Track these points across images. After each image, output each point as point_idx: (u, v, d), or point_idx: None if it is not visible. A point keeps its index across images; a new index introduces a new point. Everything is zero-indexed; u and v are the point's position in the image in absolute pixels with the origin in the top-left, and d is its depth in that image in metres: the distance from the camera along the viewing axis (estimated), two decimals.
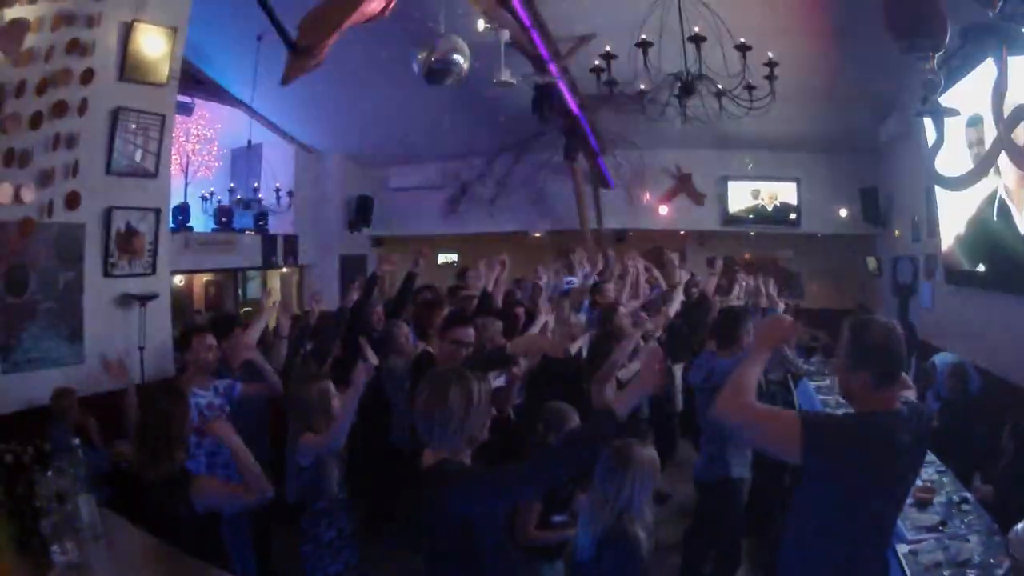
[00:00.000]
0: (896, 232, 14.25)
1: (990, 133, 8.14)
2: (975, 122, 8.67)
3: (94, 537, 3.68)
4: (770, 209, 16.47)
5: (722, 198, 16.75)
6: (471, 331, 6.16)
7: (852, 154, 15.20)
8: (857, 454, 3.38)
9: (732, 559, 6.58)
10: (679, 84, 9.62)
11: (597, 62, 9.66)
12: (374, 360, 6.55)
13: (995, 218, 8.30)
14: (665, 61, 9.24)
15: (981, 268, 9.32)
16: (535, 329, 7.42)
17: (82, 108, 8.15)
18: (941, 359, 8.50)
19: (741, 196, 16.65)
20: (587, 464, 3.94)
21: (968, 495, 6.06)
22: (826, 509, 3.51)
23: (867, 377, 3.50)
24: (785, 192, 16.37)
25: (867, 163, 15.06)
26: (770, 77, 9.10)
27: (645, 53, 9.01)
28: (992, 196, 8.41)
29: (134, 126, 8.64)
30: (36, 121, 7.75)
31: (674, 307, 9.02)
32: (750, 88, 9.36)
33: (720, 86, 9.66)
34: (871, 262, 15.63)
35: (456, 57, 7.63)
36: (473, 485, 3.59)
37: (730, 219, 16.74)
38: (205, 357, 6.06)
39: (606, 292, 9.19)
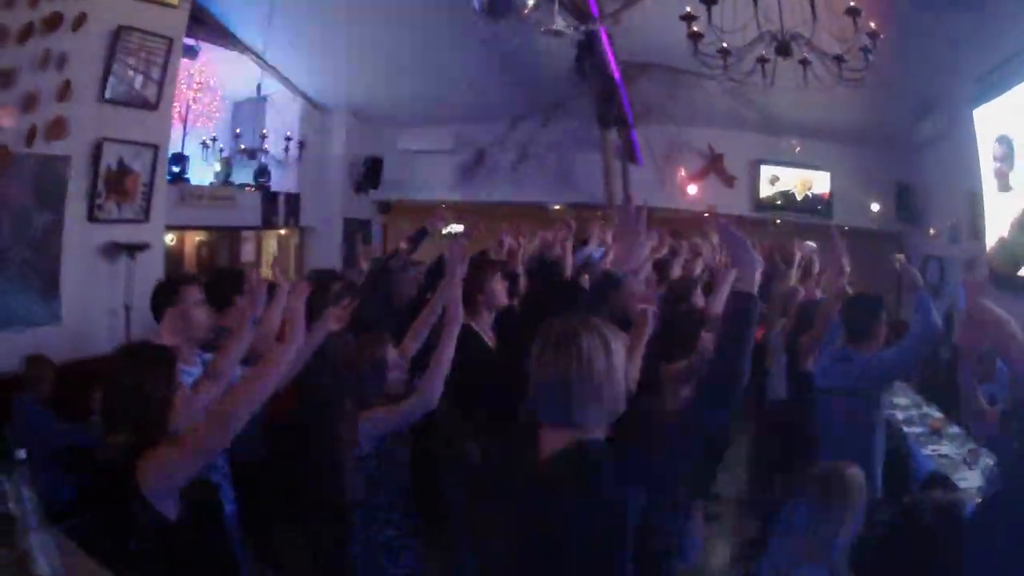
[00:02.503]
0: (931, 231, 13.73)
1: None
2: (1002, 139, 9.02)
3: None
4: (799, 198, 15.88)
5: (753, 182, 16.10)
6: None
7: (888, 149, 14.61)
8: None
9: None
10: (774, 44, 8.79)
11: (688, 8, 8.60)
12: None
13: None
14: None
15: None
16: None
17: (78, 23, 7.16)
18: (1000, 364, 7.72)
19: (769, 181, 16.12)
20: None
21: None
22: None
23: None
24: (818, 182, 15.76)
25: (902, 159, 14.47)
26: (867, 49, 8.46)
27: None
28: None
29: (136, 48, 7.67)
30: (25, 35, 6.74)
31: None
32: (839, 59, 8.76)
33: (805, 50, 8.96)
34: (899, 260, 14.66)
35: None
36: (640, 464, 2.81)
37: (760, 204, 16.08)
38: (195, 316, 4.63)
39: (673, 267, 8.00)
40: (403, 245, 6.85)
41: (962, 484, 5.83)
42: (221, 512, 3.67)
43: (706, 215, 13.89)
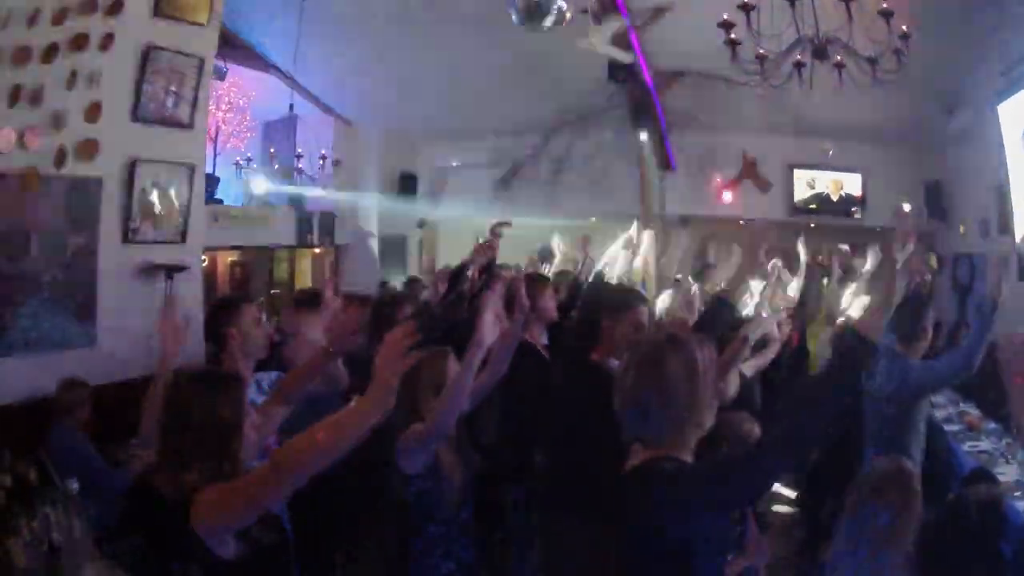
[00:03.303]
0: (960, 229, 13.83)
1: None
2: None
3: None
4: (835, 199, 15.85)
5: (788, 186, 16.03)
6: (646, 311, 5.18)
7: (916, 147, 14.66)
8: None
9: None
10: (811, 48, 8.80)
11: (726, 15, 8.59)
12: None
13: None
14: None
15: None
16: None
17: (106, 43, 7.08)
18: None
19: (806, 185, 16.07)
20: (842, 415, 2.94)
21: None
22: None
23: None
24: (849, 183, 15.78)
25: (930, 157, 14.56)
26: (900, 51, 8.44)
27: (793, 4, 8.10)
28: None
29: (166, 68, 7.60)
30: (50, 54, 6.65)
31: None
32: (872, 61, 8.73)
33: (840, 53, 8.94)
34: (931, 259, 14.66)
35: None
36: (696, 485, 2.76)
37: (796, 209, 16.00)
38: (255, 334, 4.53)
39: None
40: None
41: (1001, 478, 5.86)
42: (285, 548, 3.48)
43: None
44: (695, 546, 2.70)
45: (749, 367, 5.92)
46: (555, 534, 4.90)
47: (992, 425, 7.30)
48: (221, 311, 4.60)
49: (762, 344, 6.24)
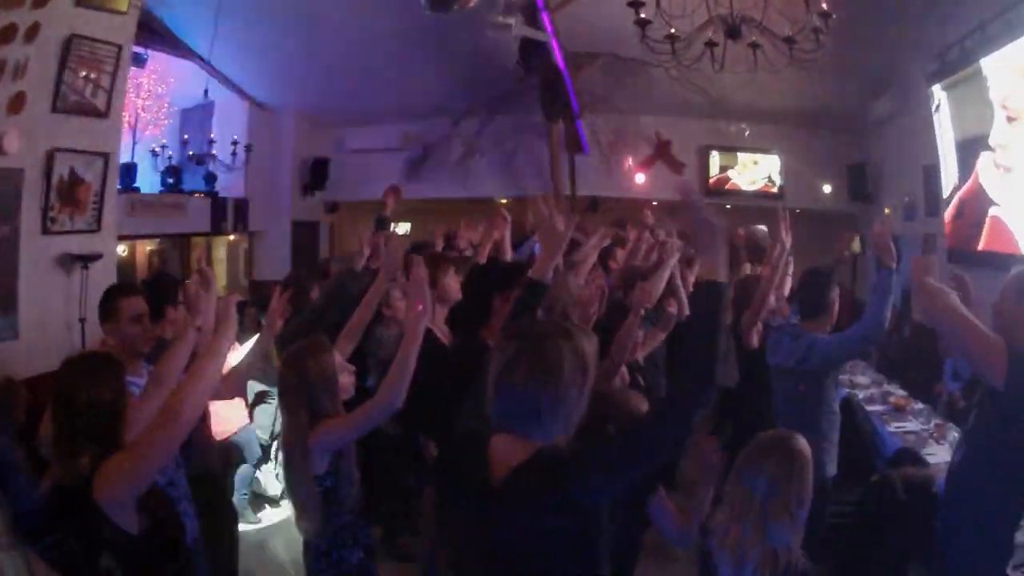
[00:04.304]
0: (886, 210, 13.90)
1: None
2: None
3: None
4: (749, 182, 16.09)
5: (703, 168, 16.18)
6: None
7: (838, 129, 14.83)
8: None
9: None
10: (723, 27, 8.84)
11: None
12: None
13: None
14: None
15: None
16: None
17: (31, 33, 7.02)
18: None
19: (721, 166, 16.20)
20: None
21: None
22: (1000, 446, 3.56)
23: None
24: (768, 165, 15.91)
25: (855, 139, 14.77)
26: (819, 30, 8.48)
27: None
28: None
29: (86, 57, 7.57)
30: None
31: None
32: (790, 41, 8.78)
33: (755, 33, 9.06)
34: (854, 241, 14.85)
35: None
36: (604, 465, 2.60)
37: (711, 190, 16.08)
38: (130, 331, 4.39)
39: (616, 256, 7.94)
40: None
41: (931, 459, 5.85)
42: (182, 526, 3.53)
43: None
44: (601, 512, 2.70)
45: (640, 353, 5.74)
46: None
47: (919, 405, 7.38)
48: (102, 304, 4.51)
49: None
